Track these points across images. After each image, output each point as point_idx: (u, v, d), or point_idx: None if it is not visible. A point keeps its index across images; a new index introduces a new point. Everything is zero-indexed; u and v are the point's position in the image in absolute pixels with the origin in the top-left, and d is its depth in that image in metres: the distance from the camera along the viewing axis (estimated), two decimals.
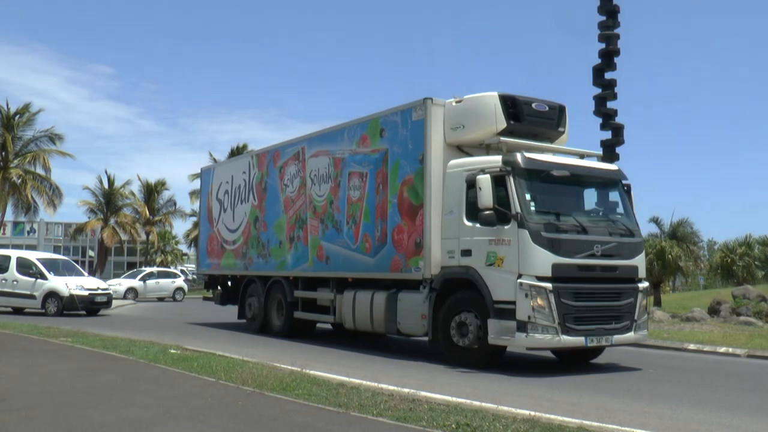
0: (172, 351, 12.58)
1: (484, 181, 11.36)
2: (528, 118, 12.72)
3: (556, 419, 7.15)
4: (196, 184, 47.38)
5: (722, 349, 15.38)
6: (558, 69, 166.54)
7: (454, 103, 12.92)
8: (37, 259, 25.63)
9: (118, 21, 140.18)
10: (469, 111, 12.68)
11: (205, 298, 23.36)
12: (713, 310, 24.38)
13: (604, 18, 25.77)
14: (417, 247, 12.78)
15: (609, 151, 24.65)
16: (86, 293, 24.67)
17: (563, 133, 13.36)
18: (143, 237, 65.28)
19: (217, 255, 20.48)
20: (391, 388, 8.85)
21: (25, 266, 24.94)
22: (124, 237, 62.33)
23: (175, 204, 66.14)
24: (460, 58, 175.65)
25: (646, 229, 41.51)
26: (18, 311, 25.21)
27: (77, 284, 24.68)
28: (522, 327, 10.95)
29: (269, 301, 17.81)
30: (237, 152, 61.45)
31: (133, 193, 63.49)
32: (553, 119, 13.20)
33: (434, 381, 10.27)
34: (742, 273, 42.94)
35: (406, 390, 8.69)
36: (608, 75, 25.64)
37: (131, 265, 74.06)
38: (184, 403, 8.05)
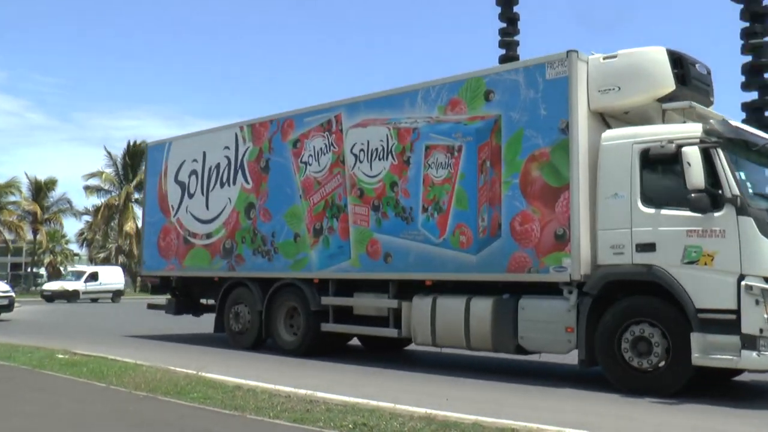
0: (60, 356, 12.06)
1: (693, 154, 9.08)
2: (693, 81, 10.78)
3: (452, 416, 7.21)
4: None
5: None
6: None
7: (602, 60, 10.64)
8: None
9: (5, 9, 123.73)
10: (627, 69, 10.46)
11: (151, 306, 18.51)
12: None
13: (504, 25, 28.64)
14: (558, 240, 10.32)
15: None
16: None
17: (713, 103, 11.46)
18: (30, 237, 61.78)
19: (177, 252, 16.48)
20: (289, 389, 8.82)
21: None
22: (9, 236, 60.20)
23: (69, 202, 63.20)
24: (371, 59, 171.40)
25: None
26: None
27: None
28: (751, 343, 8.66)
29: (273, 311, 14.22)
30: (134, 148, 58.87)
31: (19, 190, 60.09)
32: (710, 85, 11.40)
33: (333, 381, 10.22)
34: None
35: (303, 391, 8.63)
36: None
37: (16, 266, 72.23)
38: (71, 411, 7.94)
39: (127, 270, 67.89)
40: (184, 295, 16.97)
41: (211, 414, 7.49)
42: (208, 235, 15.79)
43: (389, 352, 14.47)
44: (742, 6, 24.07)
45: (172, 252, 16.69)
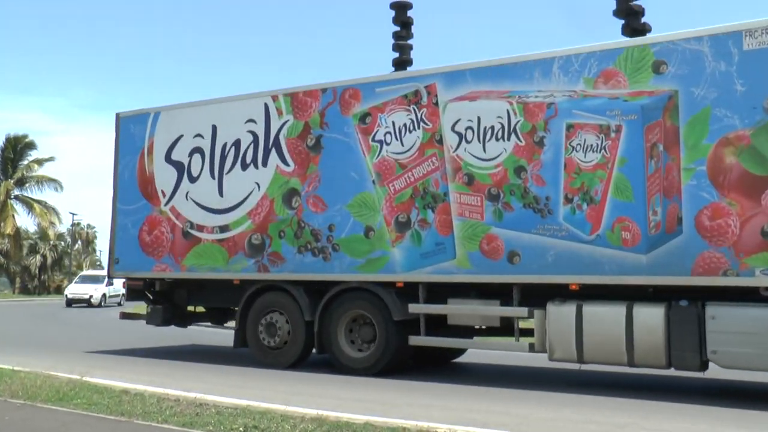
0: None
1: None
2: None
3: (344, 416, 7.28)
4: None
5: None
6: None
7: None
8: None
9: None
10: None
11: (125, 315, 16.33)
12: None
13: (398, 29, 24.54)
14: (766, 238, 9.09)
15: None
16: None
17: None
18: None
19: (172, 249, 13.53)
20: (178, 393, 8.64)
21: None
22: None
23: None
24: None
25: None
26: None
27: None
28: None
29: (330, 321, 11.88)
30: (15, 142, 53.53)
31: None
32: None
33: (224, 384, 10.05)
34: None
35: (192, 395, 8.46)
36: None
37: None
38: None
39: (5, 270, 65.93)
40: (168, 301, 14.31)
41: (96, 421, 7.24)
42: (223, 228, 13.11)
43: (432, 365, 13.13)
44: (623, 21, 21.63)
45: (164, 248, 13.73)
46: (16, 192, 54.46)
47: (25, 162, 53.85)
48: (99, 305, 38.62)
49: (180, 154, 13.61)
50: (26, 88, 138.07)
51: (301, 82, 12.84)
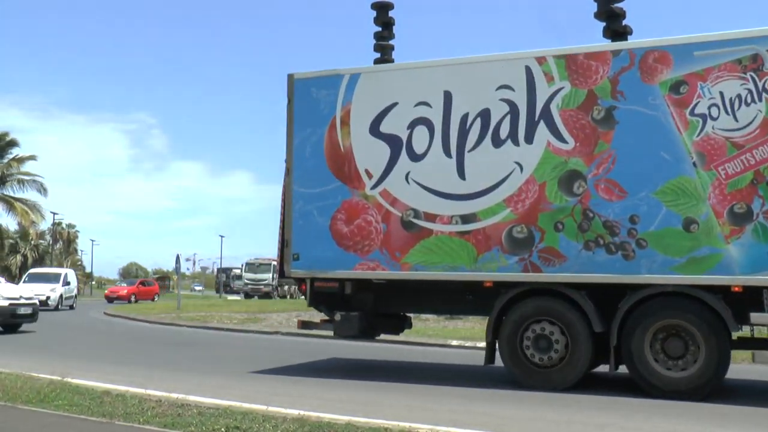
0: None
1: None
2: None
3: (326, 417, 7.30)
4: None
5: (481, 344, 14.55)
6: None
7: None
8: None
9: None
10: None
11: (306, 325, 12.86)
12: None
13: (380, 29, 24.83)
14: None
15: None
16: (5, 303, 18.95)
17: None
18: None
19: (386, 242, 11.16)
20: (159, 393, 8.65)
21: None
22: None
23: None
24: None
25: None
26: None
27: None
28: None
29: (633, 333, 9.81)
30: None
31: None
32: None
33: (205, 385, 10.01)
34: None
35: (174, 395, 8.45)
36: None
37: None
38: None
39: None
40: (361, 307, 11.97)
41: (77, 422, 7.16)
42: (467, 218, 10.77)
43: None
44: (604, 24, 22.27)
45: (373, 242, 11.35)
46: (1, 192, 52.06)
47: (6, 160, 52.98)
48: (56, 308, 34.40)
49: (394, 126, 11.30)
50: (5, 85, 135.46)
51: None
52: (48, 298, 33.48)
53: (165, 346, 16.10)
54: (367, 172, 11.30)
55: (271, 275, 60.72)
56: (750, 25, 9.59)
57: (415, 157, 11.07)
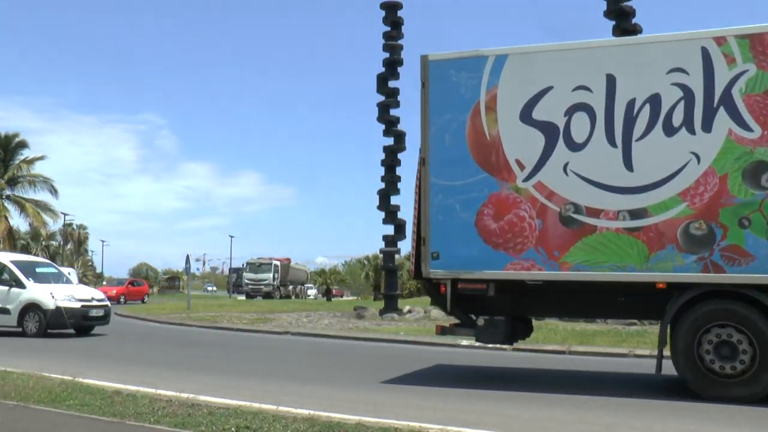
0: None
1: None
2: None
3: (336, 417, 7.31)
4: None
5: (489, 345, 14.93)
6: None
7: None
8: (11, 261, 19.38)
9: None
10: None
11: (445, 330, 11.20)
12: None
13: (388, 29, 29.13)
14: None
15: (391, 157, 28.28)
16: (77, 305, 18.60)
17: None
18: None
19: (541, 240, 10.21)
20: (170, 393, 8.67)
21: None
22: None
23: None
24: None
25: None
26: None
27: (65, 294, 18.68)
28: None
29: None
30: (6, 141, 51.65)
31: None
32: None
33: (216, 385, 9.99)
34: None
35: (185, 395, 8.49)
36: (392, 83, 28.96)
37: None
38: None
39: None
40: (505, 311, 10.86)
41: (88, 422, 7.18)
42: (636, 213, 9.93)
43: None
44: (614, 23, 24.73)
45: (526, 239, 10.39)
46: (8, 192, 52.31)
47: (16, 161, 53.18)
48: None
49: (549, 113, 10.40)
50: (12, 87, 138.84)
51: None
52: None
53: (175, 346, 16.15)
54: (518, 162, 10.33)
55: (272, 275, 61.04)
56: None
57: (574, 147, 10.16)
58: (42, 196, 53.04)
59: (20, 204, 52.20)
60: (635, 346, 15.26)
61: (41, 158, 54.26)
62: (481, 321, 10.69)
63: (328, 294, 61.34)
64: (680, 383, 9.71)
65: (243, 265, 67.91)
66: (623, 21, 24.94)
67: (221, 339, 18.96)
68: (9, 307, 18.27)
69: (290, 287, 66.75)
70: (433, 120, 10.78)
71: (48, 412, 7.62)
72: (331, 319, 25.15)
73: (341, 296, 74.16)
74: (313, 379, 11.14)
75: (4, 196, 52.05)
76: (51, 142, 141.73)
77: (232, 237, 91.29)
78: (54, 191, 53.14)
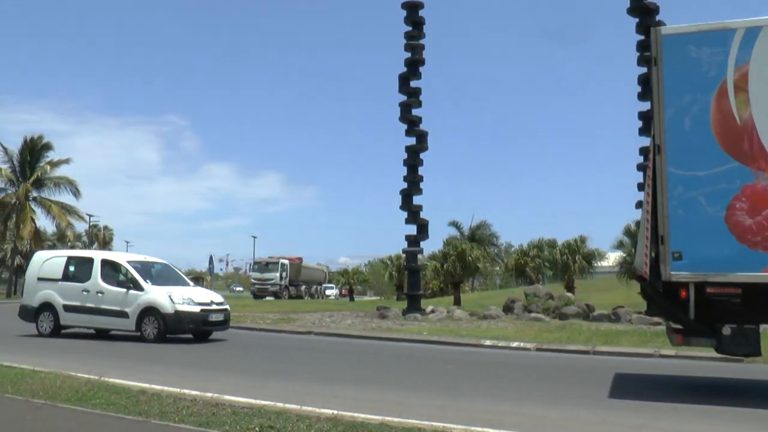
0: None
1: None
2: None
3: (359, 416, 7.35)
4: None
5: (514, 344, 16.62)
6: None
7: None
8: (128, 262, 18.55)
9: None
10: None
11: (688, 339, 9.68)
12: (508, 308, 27.03)
13: (410, 29, 28.99)
14: None
15: (413, 157, 28.19)
16: (197, 309, 17.60)
17: None
18: None
19: None
20: (194, 393, 8.72)
21: (113, 272, 18.29)
22: None
23: None
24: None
25: (447, 232, 46.12)
26: (102, 334, 18.90)
27: (184, 296, 17.75)
28: None
29: None
30: (31, 144, 52.80)
31: None
32: None
33: (239, 384, 9.99)
34: (534, 273, 43.29)
35: (209, 394, 8.57)
36: (413, 83, 28.85)
37: None
38: None
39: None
40: (751, 320, 9.50)
41: (114, 420, 7.23)
42: None
43: None
44: (637, 20, 25.06)
45: None
46: (35, 194, 53.09)
47: (42, 164, 53.77)
48: None
49: None
50: (39, 91, 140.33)
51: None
52: None
53: (199, 346, 16.15)
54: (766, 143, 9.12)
55: (279, 275, 59.22)
56: None
57: None
58: (66, 198, 53.65)
59: (46, 206, 52.78)
60: (660, 346, 15.12)
61: (66, 161, 54.86)
62: (727, 330, 9.24)
63: (351, 294, 61.37)
64: (704, 384, 9.88)
65: (250, 264, 66.63)
66: (647, 18, 24.81)
67: (244, 339, 18.96)
68: (127, 310, 17.45)
69: (302, 287, 64.57)
70: (669, 102, 9.55)
71: (74, 410, 7.70)
72: (354, 319, 25.15)
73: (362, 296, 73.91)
74: (337, 379, 11.16)
75: (30, 198, 52.71)
76: (76, 145, 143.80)
77: (254, 237, 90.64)
78: (77, 193, 53.68)
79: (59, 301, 18.18)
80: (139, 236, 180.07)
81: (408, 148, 27.94)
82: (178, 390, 8.88)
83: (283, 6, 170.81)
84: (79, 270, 18.56)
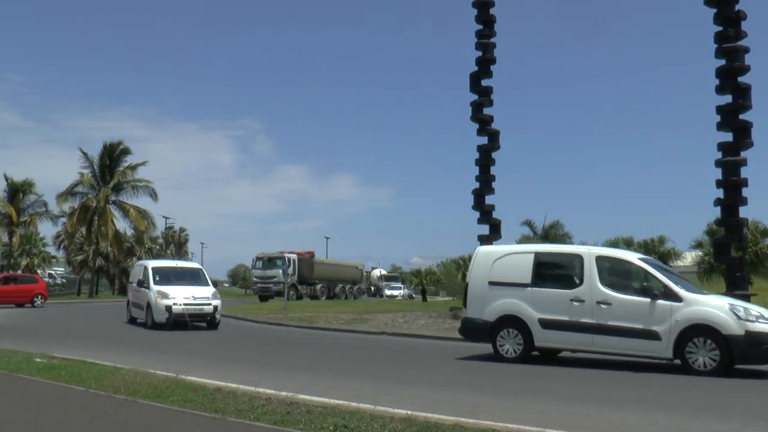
0: (38, 360, 11.89)
1: None
2: None
3: (433, 417, 7.28)
4: (60, 184, 40.13)
5: None
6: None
7: None
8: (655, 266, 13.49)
9: None
10: None
11: None
12: None
13: (481, 27, 28.38)
14: None
15: (484, 156, 27.61)
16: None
17: None
18: (5, 239, 58.38)
19: None
20: (269, 391, 8.77)
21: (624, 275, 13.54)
22: None
23: (45, 205, 59.16)
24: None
25: (520, 231, 46.21)
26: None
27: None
28: None
29: None
30: (111, 150, 54.87)
31: None
32: None
33: (313, 384, 10.01)
34: None
35: (284, 393, 8.61)
36: (485, 82, 28.07)
37: None
38: (50, 416, 7.71)
39: (105, 272, 65.41)
40: None
41: (191, 417, 7.36)
42: None
43: None
44: (715, 10, 23.84)
45: None
46: (114, 197, 55.31)
47: (121, 168, 55.39)
48: None
49: None
50: (121, 98, 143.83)
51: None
52: None
53: (273, 346, 16.40)
54: None
55: (285, 271, 44.25)
56: None
57: None
58: (143, 200, 55.23)
59: (124, 208, 54.31)
60: None
61: (143, 164, 56.65)
62: None
63: (424, 294, 61.21)
64: None
65: (252, 260, 56.22)
66: (725, 8, 23.98)
67: (318, 339, 19.13)
68: (658, 329, 12.31)
69: (318, 286, 55.93)
70: None
71: (154, 407, 7.86)
72: (426, 320, 25.08)
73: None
74: (410, 379, 11.14)
75: (110, 202, 54.69)
76: (155, 149, 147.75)
77: (327, 238, 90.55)
78: (154, 194, 55.14)
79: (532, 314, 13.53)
80: (215, 238, 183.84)
81: (480, 148, 27.50)
82: (253, 389, 8.94)
83: (354, 11, 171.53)
84: (559, 271, 14.23)
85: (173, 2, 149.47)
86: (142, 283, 22.25)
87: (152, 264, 23.71)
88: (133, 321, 23.89)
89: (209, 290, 22.95)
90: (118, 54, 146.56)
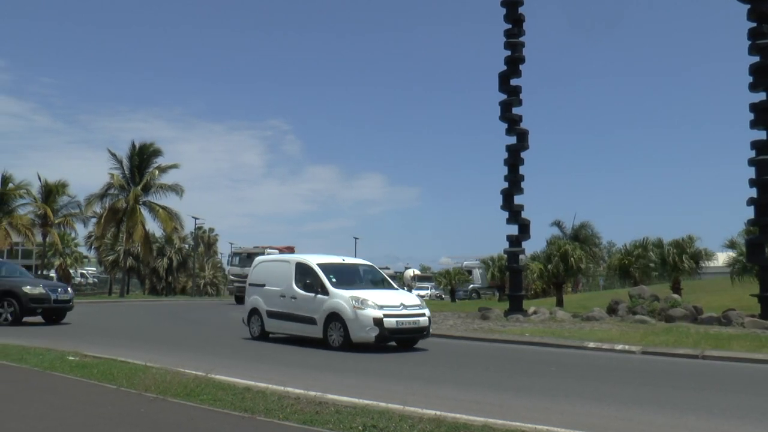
0: (70, 358, 12.09)
1: None
2: None
3: (462, 418, 7.30)
4: (88, 185, 39.18)
5: (619, 347, 16.25)
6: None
7: None
8: None
9: (11, 10, 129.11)
10: None
11: None
12: (611, 310, 26.07)
13: (510, 26, 28.37)
14: None
15: (513, 156, 27.57)
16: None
17: None
18: (39, 239, 58.98)
19: None
20: (298, 391, 8.86)
21: None
22: (17, 239, 58.09)
23: (79, 206, 59.35)
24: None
25: (549, 232, 43.11)
26: None
27: None
28: None
29: None
30: (141, 150, 55.32)
31: (29, 192, 57.59)
32: None
33: (342, 384, 10.14)
34: (639, 274, 41.60)
35: (312, 393, 8.70)
36: (513, 81, 28.19)
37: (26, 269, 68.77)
38: (82, 413, 7.87)
39: (136, 272, 64.98)
40: None
41: (221, 416, 7.48)
42: None
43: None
44: (749, 6, 23.63)
45: None
46: (144, 198, 55.78)
47: (151, 169, 55.88)
48: None
49: None
50: (149, 99, 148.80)
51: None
52: None
53: (299, 346, 16.26)
54: None
55: None
56: None
57: None
58: (172, 201, 55.71)
59: (154, 209, 54.74)
60: None
61: (174, 166, 56.96)
62: None
63: (453, 294, 60.95)
64: None
65: (229, 256, 52.45)
66: (760, 4, 23.57)
67: None
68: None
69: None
70: None
71: (184, 405, 7.98)
72: (455, 320, 24.98)
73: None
74: (439, 379, 11.17)
75: (140, 202, 55.18)
76: (183, 150, 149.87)
77: (356, 239, 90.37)
78: (180, 191, 55.56)
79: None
80: (244, 238, 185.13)
81: (509, 147, 27.46)
82: (282, 388, 9.01)
83: (384, 11, 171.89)
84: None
85: (200, 5, 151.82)
86: (311, 287, 16.65)
87: (315, 259, 17.58)
88: (264, 336, 18.14)
89: (411, 296, 17.65)
90: (145, 56, 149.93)
